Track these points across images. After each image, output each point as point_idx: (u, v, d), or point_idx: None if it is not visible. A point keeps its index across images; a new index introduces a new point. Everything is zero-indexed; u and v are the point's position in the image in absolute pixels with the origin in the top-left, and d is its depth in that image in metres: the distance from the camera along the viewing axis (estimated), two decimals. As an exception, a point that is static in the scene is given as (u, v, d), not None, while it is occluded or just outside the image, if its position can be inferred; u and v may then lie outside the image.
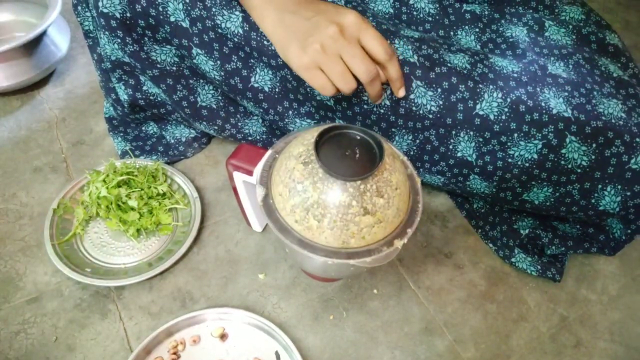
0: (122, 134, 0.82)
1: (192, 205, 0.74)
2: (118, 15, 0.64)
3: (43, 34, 0.86)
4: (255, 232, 0.74)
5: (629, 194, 0.61)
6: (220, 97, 0.74)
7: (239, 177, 0.61)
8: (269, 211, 0.52)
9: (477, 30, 0.70)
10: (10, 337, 0.62)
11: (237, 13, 0.61)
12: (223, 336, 0.63)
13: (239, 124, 0.76)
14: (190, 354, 0.61)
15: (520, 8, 0.72)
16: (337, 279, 0.70)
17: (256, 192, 0.54)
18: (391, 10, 0.71)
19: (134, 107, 0.77)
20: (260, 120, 0.77)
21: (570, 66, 0.64)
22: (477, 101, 0.61)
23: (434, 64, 0.62)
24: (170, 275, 0.69)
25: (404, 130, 0.65)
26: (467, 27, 0.70)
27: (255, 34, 0.61)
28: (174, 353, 0.60)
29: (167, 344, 0.61)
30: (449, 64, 0.62)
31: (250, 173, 0.58)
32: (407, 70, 0.61)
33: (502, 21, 0.70)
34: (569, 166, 0.60)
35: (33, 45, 0.85)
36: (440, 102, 0.62)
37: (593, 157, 0.60)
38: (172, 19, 0.63)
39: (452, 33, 0.70)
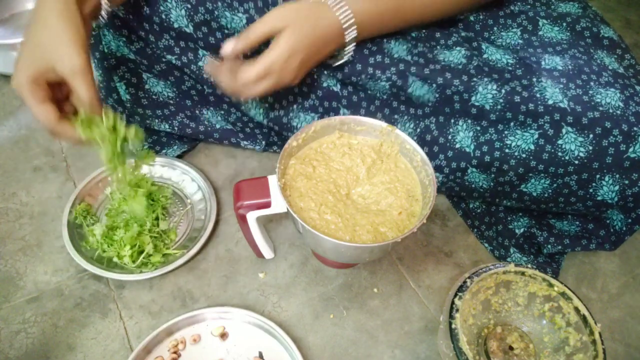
0: None
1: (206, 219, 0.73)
2: (121, 15, 0.64)
3: None
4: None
5: (627, 182, 0.61)
6: None
7: (252, 216, 0.59)
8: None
9: (467, 41, 0.70)
10: (11, 337, 0.62)
11: (240, 15, 0.63)
12: (223, 335, 0.63)
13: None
14: (191, 353, 0.61)
15: (518, 5, 0.72)
16: (350, 265, 0.71)
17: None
18: None
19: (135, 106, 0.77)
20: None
21: (567, 59, 0.65)
22: (472, 93, 0.62)
23: (428, 61, 0.65)
24: (171, 274, 0.69)
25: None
26: (455, 38, 0.70)
27: None
28: (175, 352, 0.61)
29: (167, 343, 0.61)
30: (442, 62, 0.65)
31: (266, 205, 0.57)
32: (402, 67, 0.64)
33: (495, 28, 0.70)
34: (567, 157, 0.60)
35: None
36: (437, 95, 0.65)
37: (590, 148, 0.59)
38: (175, 25, 0.64)
39: (442, 42, 0.69)
